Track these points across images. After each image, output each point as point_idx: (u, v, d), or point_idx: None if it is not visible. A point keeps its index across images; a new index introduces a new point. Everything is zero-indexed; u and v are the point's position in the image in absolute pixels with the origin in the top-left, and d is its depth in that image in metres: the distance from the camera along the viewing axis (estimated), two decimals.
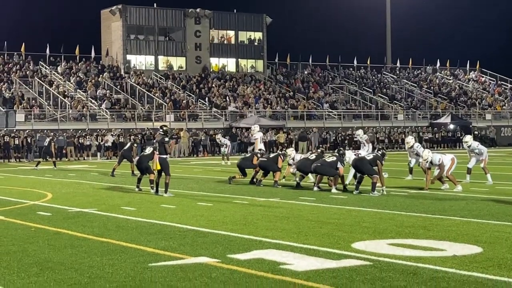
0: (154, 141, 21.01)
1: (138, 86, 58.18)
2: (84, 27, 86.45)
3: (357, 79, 73.50)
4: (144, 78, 60.85)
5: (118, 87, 58.24)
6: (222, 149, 37.54)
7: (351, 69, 76.69)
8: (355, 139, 52.83)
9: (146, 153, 20.53)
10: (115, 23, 65.06)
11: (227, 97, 59.87)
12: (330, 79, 72.28)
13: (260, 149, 24.97)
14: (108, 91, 56.24)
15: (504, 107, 71.91)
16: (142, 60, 65.76)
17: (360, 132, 28.48)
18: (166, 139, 18.90)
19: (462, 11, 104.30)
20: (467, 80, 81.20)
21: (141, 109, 54.26)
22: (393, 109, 65.19)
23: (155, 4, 66.70)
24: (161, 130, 19.62)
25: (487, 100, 73.14)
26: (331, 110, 61.35)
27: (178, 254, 9.78)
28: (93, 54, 64.00)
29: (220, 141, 38.42)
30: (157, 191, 18.97)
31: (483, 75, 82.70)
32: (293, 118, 58.49)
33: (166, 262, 9.22)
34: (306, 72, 72.99)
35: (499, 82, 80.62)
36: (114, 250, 10.16)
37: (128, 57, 64.61)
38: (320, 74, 73.29)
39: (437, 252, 9.74)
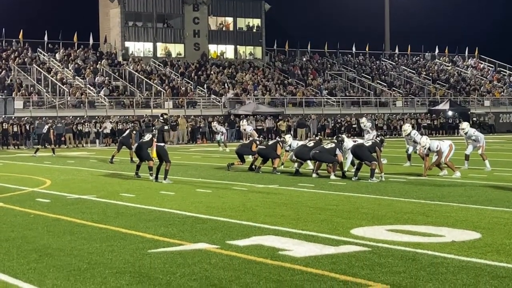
0: (154, 128, 20.96)
1: (137, 73, 58.12)
2: (82, 14, 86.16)
3: (356, 65, 73.42)
4: (142, 65, 60.75)
5: (117, 74, 58.17)
6: (218, 136, 37.57)
7: (350, 55, 76.62)
8: (353, 125, 53.07)
9: (145, 140, 20.52)
10: (113, 10, 64.89)
11: (226, 84, 59.81)
12: (329, 65, 72.21)
13: (259, 136, 24.84)
14: (106, 78, 56.17)
15: (502, 93, 71.89)
16: (140, 47, 65.65)
17: (364, 119, 28.53)
18: (166, 127, 18.91)
19: None
20: (465, 66, 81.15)
21: (139, 96, 54.22)
22: (392, 95, 65.16)
23: None
24: (161, 118, 19.62)
25: (486, 87, 73.12)
26: (329, 97, 61.32)
27: (177, 240, 9.80)
28: (91, 41, 63.90)
29: (216, 128, 38.44)
30: (156, 177, 18.98)
31: (481, 62, 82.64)
32: (292, 105, 58.46)
33: (165, 248, 9.23)
34: (304, 59, 72.89)
35: (497, 68, 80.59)
36: (113, 237, 10.18)
37: (127, 44, 64.50)
38: (319, 61, 73.21)
39: (436, 238, 9.76)
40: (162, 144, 18.67)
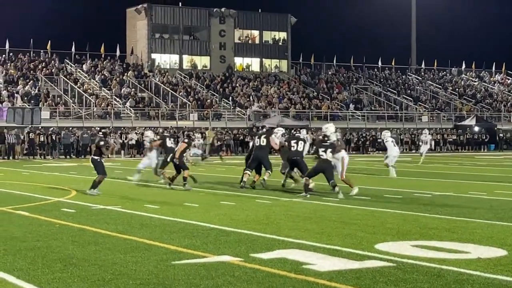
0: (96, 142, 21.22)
1: (162, 85, 58.41)
2: (110, 25, 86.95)
3: (382, 80, 73.24)
4: (168, 77, 61.07)
5: (143, 85, 58.54)
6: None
7: (376, 70, 76.47)
8: (378, 140, 52.80)
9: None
10: (140, 22, 65.36)
11: (251, 97, 59.90)
12: (354, 79, 72.09)
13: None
14: (132, 90, 56.53)
15: None
16: (166, 59, 66.02)
17: (426, 130, 28.09)
18: (102, 142, 19.33)
19: (488, 12, 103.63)
20: (492, 82, 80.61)
21: (165, 107, 54.47)
22: (418, 110, 64.86)
23: (180, 3, 66.97)
24: (100, 133, 20.42)
25: None
26: (354, 111, 61.17)
27: (201, 252, 9.79)
28: (118, 53, 64.40)
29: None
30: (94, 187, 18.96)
31: (509, 77, 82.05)
32: (317, 118, 58.38)
33: (189, 260, 9.23)
34: (330, 73, 72.86)
35: None
36: (137, 248, 10.19)
37: (153, 55, 64.90)
38: (345, 74, 73.13)
39: (462, 254, 9.67)
40: (97, 157, 19.10)
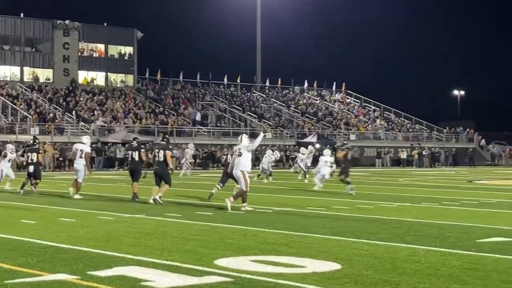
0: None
1: (2, 98, 56.36)
2: None
3: (227, 97, 74.16)
4: (8, 89, 59.04)
5: None
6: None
7: (222, 86, 77.37)
8: (224, 155, 53.38)
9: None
10: None
11: (95, 111, 58.93)
12: (201, 96, 72.58)
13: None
14: None
15: (367, 128, 74.45)
16: (6, 71, 63.83)
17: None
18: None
19: (329, 35, 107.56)
20: (333, 101, 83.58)
21: (4, 121, 52.56)
22: (262, 127, 66.12)
23: (22, 14, 64.97)
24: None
25: (352, 121, 75.52)
26: (200, 127, 61.55)
27: (36, 270, 9.49)
28: None
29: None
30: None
31: (348, 97, 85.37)
32: (163, 134, 58.16)
33: (23, 279, 8.91)
34: (176, 88, 72.99)
35: (363, 104, 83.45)
36: None
37: None
38: (191, 90, 73.49)
39: (298, 268, 9.90)
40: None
